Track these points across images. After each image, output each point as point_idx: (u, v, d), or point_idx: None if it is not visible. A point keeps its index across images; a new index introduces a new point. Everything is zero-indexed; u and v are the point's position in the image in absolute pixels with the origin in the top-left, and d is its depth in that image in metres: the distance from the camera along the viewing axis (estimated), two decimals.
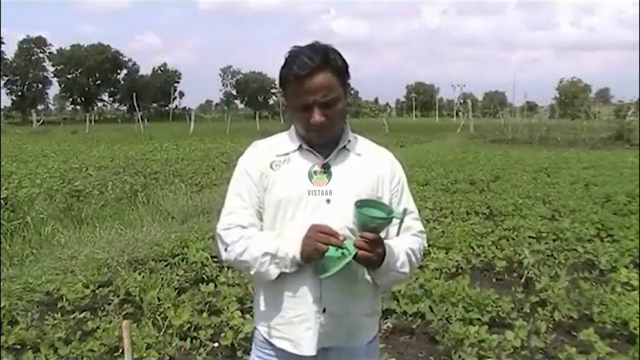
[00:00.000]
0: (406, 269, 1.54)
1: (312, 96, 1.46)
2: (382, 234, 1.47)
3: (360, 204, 1.43)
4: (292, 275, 1.50)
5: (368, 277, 1.55)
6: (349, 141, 1.59)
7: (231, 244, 1.54)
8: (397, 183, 1.62)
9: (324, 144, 1.55)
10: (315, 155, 1.55)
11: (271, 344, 1.59)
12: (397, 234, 1.49)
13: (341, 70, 1.50)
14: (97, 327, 3.44)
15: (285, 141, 1.60)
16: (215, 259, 4.85)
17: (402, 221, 1.46)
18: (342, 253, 1.42)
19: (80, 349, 3.14)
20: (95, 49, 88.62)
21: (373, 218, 1.41)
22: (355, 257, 1.41)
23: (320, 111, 1.47)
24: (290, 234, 1.49)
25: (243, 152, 1.68)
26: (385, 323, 3.63)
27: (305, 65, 1.44)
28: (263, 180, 1.56)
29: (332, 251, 1.42)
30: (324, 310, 1.51)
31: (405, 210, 1.46)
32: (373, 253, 1.42)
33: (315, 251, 1.42)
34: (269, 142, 1.64)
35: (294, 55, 1.48)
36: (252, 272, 1.51)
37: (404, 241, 1.54)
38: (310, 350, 1.52)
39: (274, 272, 1.49)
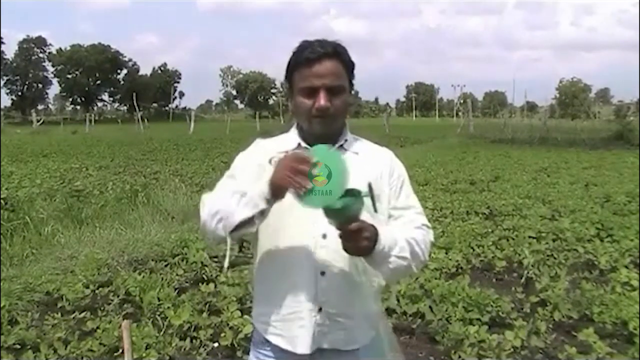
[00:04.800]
0: (406, 254, 1.48)
1: (321, 80, 1.47)
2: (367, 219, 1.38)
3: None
4: (288, 272, 1.49)
5: (366, 278, 1.54)
6: (346, 140, 1.59)
7: (206, 200, 1.48)
8: (397, 178, 1.61)
9: (321, 142, 1.54)
10: None
11: (269, 344, 1.59)
12: (375, 211, 1.38)
13: (349, 65, 1.53)
14: (97, 327, 3.44)
15: (285, 140, 1.61)
16: (215, 259, 4.85)
17: (372, 197, 1.34)
18: (330, 191, 1.29)
19: (80, 349, 3.14)
20: (95, 49, 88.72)
21: (337, 209, 1.29)
22: (347, 251, 1.36)
23: (327, 96, 1.48)
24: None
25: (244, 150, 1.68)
26: None
27: (317, 51, 1.47)
28: (260, 172, 1.54)
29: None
30: (320, 309, 1.50)
31: (370, 184, 1.36)
32: (359, 241, 1.36)
33: (284, 183, 1.33)
34: (271, 140, 1.65)
35: (305, 45, 1.51)
36: (222, 222, 1.41)
37: (404, 230, 1.52)
38: (305, 349, 1.51)
39: (243, 212, 1.37)
